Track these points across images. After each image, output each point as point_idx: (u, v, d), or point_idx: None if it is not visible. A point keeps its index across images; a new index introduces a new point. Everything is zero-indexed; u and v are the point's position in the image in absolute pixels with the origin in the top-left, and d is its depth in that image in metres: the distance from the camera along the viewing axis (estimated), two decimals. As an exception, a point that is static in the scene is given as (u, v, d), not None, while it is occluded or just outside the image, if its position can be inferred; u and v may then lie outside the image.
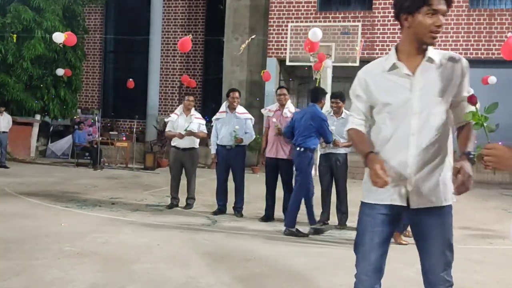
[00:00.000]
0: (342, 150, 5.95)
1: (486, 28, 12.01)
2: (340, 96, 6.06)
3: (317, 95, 5.72)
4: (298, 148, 5.57)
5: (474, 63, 12.15)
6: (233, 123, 6.40)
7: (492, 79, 9.85)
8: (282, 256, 4.62)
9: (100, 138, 12.45)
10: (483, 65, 11.99)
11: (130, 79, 13.34)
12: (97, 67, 17.18)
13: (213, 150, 6.62)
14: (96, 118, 13.35)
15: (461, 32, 12.22)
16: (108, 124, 15.77)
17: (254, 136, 6.65)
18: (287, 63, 12.09)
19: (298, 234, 5.47)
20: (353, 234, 5.41)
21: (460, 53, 12.02)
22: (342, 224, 5.97)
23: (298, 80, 14.77)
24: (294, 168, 5.80)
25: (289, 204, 5.59)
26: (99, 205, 6.91)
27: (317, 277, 4.03)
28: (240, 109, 6.61)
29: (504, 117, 13.02)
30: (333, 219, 6.06)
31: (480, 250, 5.19)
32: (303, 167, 5.57)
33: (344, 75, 12.83)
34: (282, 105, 6.28)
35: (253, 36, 10.87)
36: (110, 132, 13.84)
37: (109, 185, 9.13)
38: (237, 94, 6.56)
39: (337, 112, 6.05)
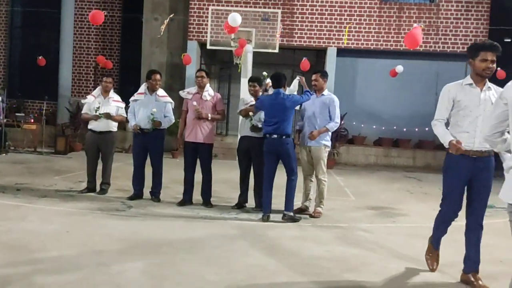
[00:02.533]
0: (260, 134, 6.05)
1: (395, 20, 12.76)
2: (257, 80, 6.16)
3: (280, 80, 5.76)
4: (284, 136, 5.54)
5: (384, 54, 12.92)
6: (152, 106, 6.22)
7: (399, 68, 10.52)
8: (198, 240, 4.63)
9: (5, 120, 11.50)
10: (393, 56, 12.75)
11: (40, 57, 12.42)
12: (2, 43, 15.76)
13: (132, 122, 6.32)
14: (1, 98, 12.29)
15: (372, 24, 12.87)
16: (14, 105, 14.58)
17: (173, 121, 6.51)
18: (208, 47, 11.97)
19: (295, 218, 5.58)
20: (271, 216, 5.62)
21: (372, 44, 12.71)
22: (260, 207, 6.09)
23: (220, 64, 14.69)
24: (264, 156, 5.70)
25: (289, 191, 5.60)
26: (2, 191, 6.42)
27: (232, 259, 4.09)
28: (160, 91, 6.43)
29: (408, 106, 14.11)
30: (251, 201, 6.18)
31: (384, 228, 5.58)
32: (292, 153, 5.63)
33: (265, 61, 13.02)
34: (201, 88, 6.22)
35: (171, 16, 10.58)
36: (16, 114, 12.80)
37: (14, 170, 8.49)
38: (158, 76, 6.35)
39: (254, 95, 6.12)
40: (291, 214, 5.60)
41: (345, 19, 12.94)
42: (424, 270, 4.02)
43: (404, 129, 12.51)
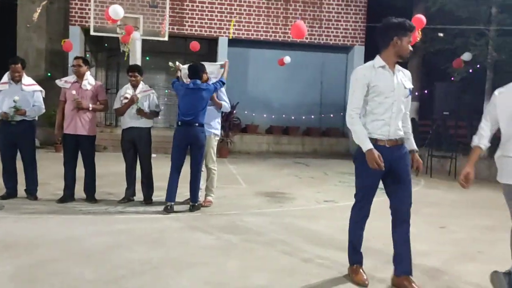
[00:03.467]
0: (145, 124, 5.85)
1: (283, 13, 13.20)
2: (138, 69, 5.95)
3: (197, 70, 5.61)
4: (199, 125, 5.46)
5: (274, 45, 13.31)
6: (19, 95, 5.66)
7: (287, 59, 10.92)
8: (78, 238, 4.35)
9: None
10: (281, 47, 13.20)
11: None
12: None
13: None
14: None
15: (261, 15, 13.17)
16: None
17: (43, 110, 5.98)
18: (92, 33, 11.28)
19: (201, 207, 5.66)
20: (158, 208, 5.49)
21: (262, 35, 12.99)
22: (147, 200, 5.92)
23: (107, 52, 13.96)
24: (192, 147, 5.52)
25: (194, 182, 5.53)
26: None
27: (113, 255, 3.91)
28: (26, 80, 5.87)
29: (296, 95, 14.75)
30: (139, 194, 5.98)
31: (272, 213, 5.77)
32: (205, 143, 5.56)
33: (156, 49, 12.65)
34: (80, 77, 5.82)
35: (44, 2, 9.75)
36: None
37: None
38: (18, 66, 5.71)
39: (135, 85, 5.91)
40: (197, 203, 5.60)
41: (235, 9, 13.06)
42: (307, 250, 4.22)
43: (293, 117, 13.06)
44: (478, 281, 3.59)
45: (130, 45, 10.73)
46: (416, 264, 3.92)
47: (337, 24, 13.61)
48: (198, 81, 5.61)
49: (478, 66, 10.96)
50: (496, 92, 3.26)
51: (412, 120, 12.34)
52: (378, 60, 3.25)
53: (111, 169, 7.75)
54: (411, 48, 3.27)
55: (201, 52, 11.61)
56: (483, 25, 10.86)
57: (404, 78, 3.31)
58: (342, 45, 13.79)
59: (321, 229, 5.07)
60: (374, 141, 3.22)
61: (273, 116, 13.29)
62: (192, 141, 5.50)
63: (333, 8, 13.55)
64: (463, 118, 11.25)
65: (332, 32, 13.60)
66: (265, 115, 13.20)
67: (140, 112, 5.79)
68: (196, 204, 5.58)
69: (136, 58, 11.08)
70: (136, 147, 5.88)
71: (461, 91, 10.59)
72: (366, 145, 3.17)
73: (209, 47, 13.90)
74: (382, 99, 3.22)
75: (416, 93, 11.91)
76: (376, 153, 3.13)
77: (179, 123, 5.55)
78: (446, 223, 5.43)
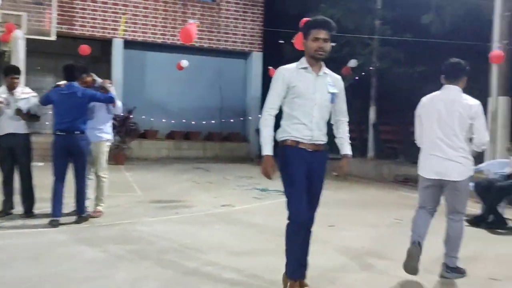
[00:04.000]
0: (23, 130, 5.38)
1: (181, 16, 13.05)
2: (16, 71, 5.47)
3: (72, 72, 5.17)
4: (79, 132, 5.10)
5: (172, 48, 13.10)
6: None
7: (185, 62, 10.80)
8: None
9: None
10: (180, 51, 13.02)
11: None
12: None
13: None
14: None
15: (158, 18, 12.90)
16: None
17: None
18: (-36, 29, 10.14)
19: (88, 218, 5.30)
20: (40, 222, 5.05)
21: (159, 38, 12.70)
22: (28, 213, 5.43)
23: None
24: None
25: (81, 192, 5.20)
26: None
27: (-16, 276, 3.51)
28: None
29: (196, 100, 14.63)
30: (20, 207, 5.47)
31: (166, 220, 5.62)
32: (87, 151, 5.23)
33: (43, 50, 11.74)
34: None
35: None
36: None
37: None
38: None
39: (12, 88, 5.42)
40: (84, 215, 5.22)
41: (130, 10, 12.64)
42: (199, 256, 4.16)
43: (193, 122, 12.94)
44: (365, 276, 3.82)
45: (12, 44, 9.82)
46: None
47: (235, 30, 13.80)
48: (75, 84, 5.25)
49: (363, 73, 11.81)
50: (422, 100, 3.86)
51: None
52: (301, 62, 3.18)
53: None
54: (319, 45, 3.05)
55: (94, 55, 11.04)
56: (368, 35, 11.75)
57: (330, 82, 3.18)
58: (240, 51, 14.01)
59: (215, 234, 5.04)
60: (295, 143, 3.11)
61: (172, 121, 13.04)
62: (72, 150, 5.11)
63: (231, 14, 13.72)
64: (352, 122, 12.02)
65: (231, 37, 13.76)
66: (164, 120, 12.90)
67: (18, 112, 5.29)
68: (84, 216, 5.23)
69: (19, 58, 10.16)
70: (14, 155, 5.37)
71: (351, 97, 11.31)
72: (266, 150, 3.07)
73: (103, 49, 13.25)
74: (302, 101, 3.11)
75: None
76: (270, 162, 3.05)
77: (57, 131, 5.14)
78: (334, 222, 5.71)
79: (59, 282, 3.44)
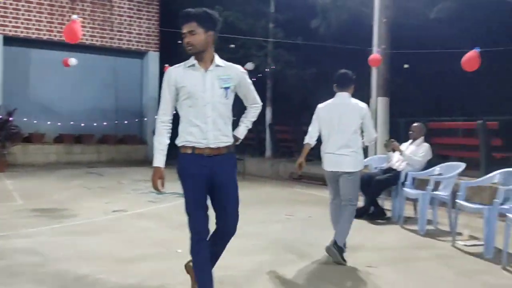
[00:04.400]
0: None
1: (69, 12, 12.17)
2: None
3: None
4: None
5: (60, 46, 12.23)
6: None
7: (73, 61, 10.14)
8: None
9: None
10: (69, 49, 12.21)
11: None
12: None
13: None
14: None
15: (43, 12, 11.98)
16: None
17: None
18: None
19: None
20: None
21: (45, 34, 11.80)
22: None
23: None
24: None
25: None
26: None
27: None
28: None
29: (88, 101, 13.82)
30: None
31: (49, 231, 5.19)
32: None
33: None
34: None
35: None
36: None
37: None
38: None
39: None
40: None
41: (11, 4, 11.59)
42: (82, 267, 3.90)
43: (83, 124, 12.22)
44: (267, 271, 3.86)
45: None
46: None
47: (129, 29, 13.30)
48: None
49: (259, 75, 12.10)
50: (318, 106, 4.43)
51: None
52: (190, 60, 2.93)
53: None
54: (186, 41, 2.87)
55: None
56: (262, 37, 12.05)
57: (222, 76, 2.91)
58: (136, 50, 13.55)
59: (101, 242, 4.77)
60: (191, 149, 2.86)
61: (59, 124, 12.15)
62: None
63: (125, 12, 13.20)
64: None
65: (125, 36, 13.24)
66: (49, 123, 11.98)
67: None
68: None
69: None
70: None
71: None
72: (155, 161, 2.90)
73: (-21, 44, 11.98)
74: (192, 102, 2.86)
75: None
76: (158, 174, 2.88)
77: None
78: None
79: None
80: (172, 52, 12.76)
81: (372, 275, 3.85)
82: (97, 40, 12.74)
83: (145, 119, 13.37)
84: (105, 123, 12.69)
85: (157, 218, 5.97)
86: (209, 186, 2.90)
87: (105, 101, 13.37)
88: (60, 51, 12.18)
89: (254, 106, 3.22)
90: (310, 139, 4.43)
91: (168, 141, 2.94)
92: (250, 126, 3.24)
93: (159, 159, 2.91)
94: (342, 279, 3.78)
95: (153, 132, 11.24)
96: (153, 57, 13.69)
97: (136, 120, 13.52)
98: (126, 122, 12.98)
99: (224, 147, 2.91)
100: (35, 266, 3.92)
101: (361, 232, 5.20)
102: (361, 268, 4.00)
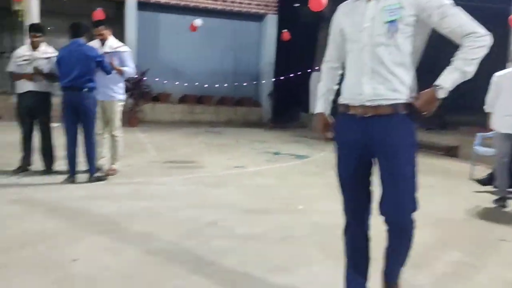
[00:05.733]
0: (44, 88, 5.44)
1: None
2: (39, 29, 5.46)
3: (78, 28, 5.11)
4: (84, 90, 5.03)
5: (186, 10, 12.92)
6: None
7: (198, 21, 10.60)
8: (-37, 210, 3.98)
9: None
10: (193, 13, 12.85)
11: None
12: None
13: None
14: None
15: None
16: None
17: None
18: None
19: (101, 178, 5.32)
20: (58, 178, 5.18)
21: (173, -1, 12.49)
22: (48, 170, 5.55)
23: None
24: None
25: (89, 151, 5.20)
26: None
27: (5, 225, 3.64)
28: None
29: (209, 63, 14.43)
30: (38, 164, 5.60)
31: (181, 180, 5.70)
32: (93, 109, 5.17)
33: (57, 10, 11.69)
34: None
35: None
36: None
37: None
38: None
39: (36, 46, 5.44)
40: (97, 175, 5.29)
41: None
42: (212, 214, 4.24)
43: (206, 86, 12.89)
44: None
45: (24, 4, 9.79)
46: (319, 222, 4.13)
47: (250, -8, 13.52)
48: (81, 41, 5.19)
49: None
50: (496, 74, 5.03)
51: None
52: None
53: (8, 138, 7.14)
54: None
55: (108, 16, 10.90)
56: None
57: (388, 5, 2.10)
58: (255, 13, 13.77)
59: (227, 193, 5.12)
60: (344, 108, 2.26)
61: (185, 85, 12.99)
62: (77, 107, 5.08)
63: (246, -25, 13.42)
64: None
65: (245, -1, 13.51)
66: (177, 83, 12.86)
67: (36, 71, 5.33)
68: (95, 175, 5.28)
69: (32, 18, 10.15)
70: (34, 113, 5.44)
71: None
72: (316, 107, 2.46)
73: (116, 10, 13.13)
74: (350, 46, 2.26)
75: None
76: (320, 121, 2.42)
77: (62, 89, 5.14)
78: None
79: (75, 234, 3.55)
80: (291, 14, 12.76)
81: None
82: (219, 4, 13.19)
83: (263, 81, 13.67)
84: (225, 85, 13.25)
85: (274, 176, 6.19)
86: (369, 158, 2.24)
87: (224, 64, 13.92)
88: (185, 15, 12.87)
89: (470, 37, 2.03)
90: (490, 108, 5.09)
91: (331, 86, 2.46)
92: (466, 69, 2.02)
93: (319, 105, 2.46)
94: None
95: (269, 95, 11.46)
96: (271, 20, 13.80)
97: (254, 83, 13.89)
98: (245, 84, 13.40)
99: (388, 106, 2.12)
100: (172, 209, 4.36)
101: None
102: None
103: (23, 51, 5.49)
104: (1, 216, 3.89)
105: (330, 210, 4.53)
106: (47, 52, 5.49)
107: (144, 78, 11.57)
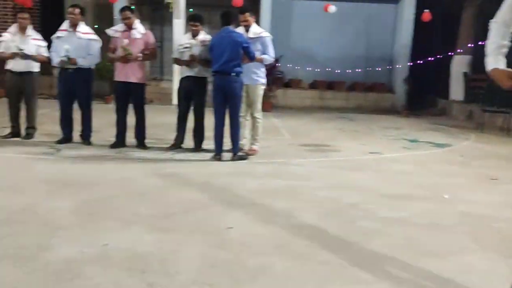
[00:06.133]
0: (202, 74, 5.91)
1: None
2: (198, 18, 5.92)
3: (228, 16, 5.54)
4: (232, 74, 5.40)
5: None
6: (74, 43, 5.86)
7: (332, 8, 10.53)
8: (132, 179, 4.58)
9: None
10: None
11: None
12: None
13: (56, 59, 5.89)
14: None
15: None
16: None
17: (97, 59, 6.17)
18: (137, -15, 11.31)
19: (243, 157, 5.60)
20: (206, 155, 5.66)
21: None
22: (197, 147, 6.07)
23: (152, 5, 13.99)
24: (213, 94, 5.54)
25: (234, 131, 5.55)
26: None
27: (165, 194, 4.10)
28: (83, 28, 6.03)
29: (341, 49, 14.21)
30: (187, 142, 6.15)
31: (317, 162, 5.80)
32: (239, 93, 5.53)
33: (200, 2, 12.57)
34: (129, 26, 5.91)
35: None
36: None
37: None
38: (76, 10, 5.93)
39: (195, 34, 5.93)
40: (240, 154, 5.64)
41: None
42: (353, 196, 4.26)
43: (337, 71, 12.76)
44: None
45: (173, -4, 10.71)
46: (467, 212, 3.90)
47: (387, -27, 12.98)
48: (230, 28, 5.53)
49: None
50: None
51: (464, 74, 11.82)
52: None
53: (158, 119, 7.96)
54: None
55: (245, 4, 11.39)
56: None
57: None
58: (392, -5, 13.19)
59: (367, 178, 5.07)
60: None
61: (317, 70, 13.03)
62: (226, 91, 5.45)
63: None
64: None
65: (381, -19, 13.00)
66: (309, 69, 12.96)
67: (192, 57, 5.82)
68: (238, 154, 5.62)
69: (180, 10, 11.07)
70: (191, 96, 5.99)
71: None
72: (489, 64, 2.33)
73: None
74: None
75: (470, 45, 11.32)
76: (500, 75, 2.27)
77: (213, 73, 5.55)
78: (497, 176, 5.29)
79: (226, 205, 3.86)
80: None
81: None
82: (353, -12, 12.91)
83: (398, 66, 13.08)
84: (358, 70, 12.99)
85: (413, 164, 5.94)
86: None
87: (356, 49, 13.62)
88: (319, 1, 12.85)
89: None
90: None
91: (502, 43, 2.34)
92: None
93: (491, 62, 2.33)
94: None
95: (404, 80, 10.85)
96: (409, 2, 13.08)
97: (388, 67, 13.37)
98: (378, 69, 12.98)
99: None
100: (311, 188, 4.48)
101: None
102: None
103: (184, 39, 6.03)
104: (162, 186, 4.39)
105: (478, 200, 4.27)
106: (205, 40, 5.93)
107: (278, 64, 11.88)
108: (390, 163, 5.94)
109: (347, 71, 12.78)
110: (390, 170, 5.54)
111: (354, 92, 13.46)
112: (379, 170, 5.47)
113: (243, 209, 3.74)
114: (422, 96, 12.82)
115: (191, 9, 6.04)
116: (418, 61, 12.30)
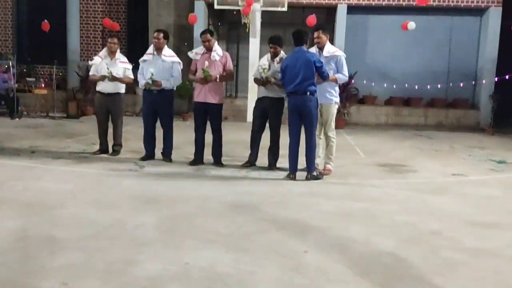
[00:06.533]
0: (277, 94, 6.00)
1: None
2: (277, 41, 6.02)
3: (301, 37, 5.63)
4: (307, 94, 5.43)
5: (396, 10, 12.59)
6: (159, 66, 6.22)
7: (412, 25, 10.24)
8: (210, 196, 4.72)
9: (16, 85, 11.58)
10: (405, 12, 12.43)
11: (45, 21, 12.32)
12: (9, 7, 15.65)
13: (142, 81, 6.27)
14: (11, 63, 12.30)
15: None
16: (24, 70, 14.62)
17: (180, 81, 6.50)
18: (215, 6, 11.75)
19: (318, 177, 5.60)
20: (280, 174, 5.70)
21: (383, 0, 12.33)
22: (272, 166, 6.13)
23: (228, 25, 14.47)
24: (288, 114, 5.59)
25: (310, 151, 5.54)
26: (17, 154, 6.56)
27: (243, 213, 4.18)
28: (167, 51, 6.39)
29: (420, 63, 13.77)
30: (261, 160, 6.24)
31: (394, 184, 5.61)
32: (315, 112, 5.53)
33: (274, 21, 12.79)
34: (209, 49, 6.16)
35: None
36: (27, 79, 12.83)
37: (28, 134, 8.63)
38: (161, 35, 6.30)
39: (274, 56, 6.04)
40: (314, 174, 5.62)
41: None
42: (434, 222, 4.07)
43: (416, 87, 12.30)
44: None
45: (250, 16, 10.99)
46: None
47: (470, -15, 12.37)
48: (304, 48, 5.55)
49: None
50: None
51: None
52: None
53: (233, 136, 8.16)
54: None
55: (319, 22, 11.42)
56: None
57: None
58: (475, 7, 12.53)
59: (450, 202, 4.82)
60: None
61: (394, 86, 12.64)
62: (302, 110, 5.46)
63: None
64: None
65: (464, -7, 12.41)
66: (385, 85, 12.61)
67: (267, 80, 5.92)
68: (312, 174, 5.59)
69: (256, 29, 11.34)
70: (266, 116, 6.09)
71: None
72: None
73: (327, 16, 13.63)
74: None
75: None
76: None
77: (287, 93, 5.58)
78: None
79: (302, 226, 3.85)
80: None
81: None
82: (433, 0, 12.44)
83: (484, 81, 12.35)
84: (438, 86, 12.43)
85: (502, 188, 5.55)
86: None
87: (436, 63, 13.06)
88: (395, 15, 12.54)
89: None
90: None
91: None
92: None
93: None
94: None
95: (490, 96, 10.23)
96: (494, 14, 12.35)
97: (473, 82, 12.67)
98: (461, 84, 12.32)
99: None
100: (389, 212, 4.33)
101: None
102: None
103: (264, 60, 6.17)
104: (237, 205, 4.47)
105: None
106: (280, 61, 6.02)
107: (352, 81, 11.72)
108: (475, 187, 5.60)
109: (427, 86, 12.26)
110: (476, 194, 5.22)
111: (433, 108, 12.89)
112: (463, 194, 5.18)
113: (319, 232, 3.71)
114: (509, 113, 11.97)
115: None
116: (506, 76, 11.52)
